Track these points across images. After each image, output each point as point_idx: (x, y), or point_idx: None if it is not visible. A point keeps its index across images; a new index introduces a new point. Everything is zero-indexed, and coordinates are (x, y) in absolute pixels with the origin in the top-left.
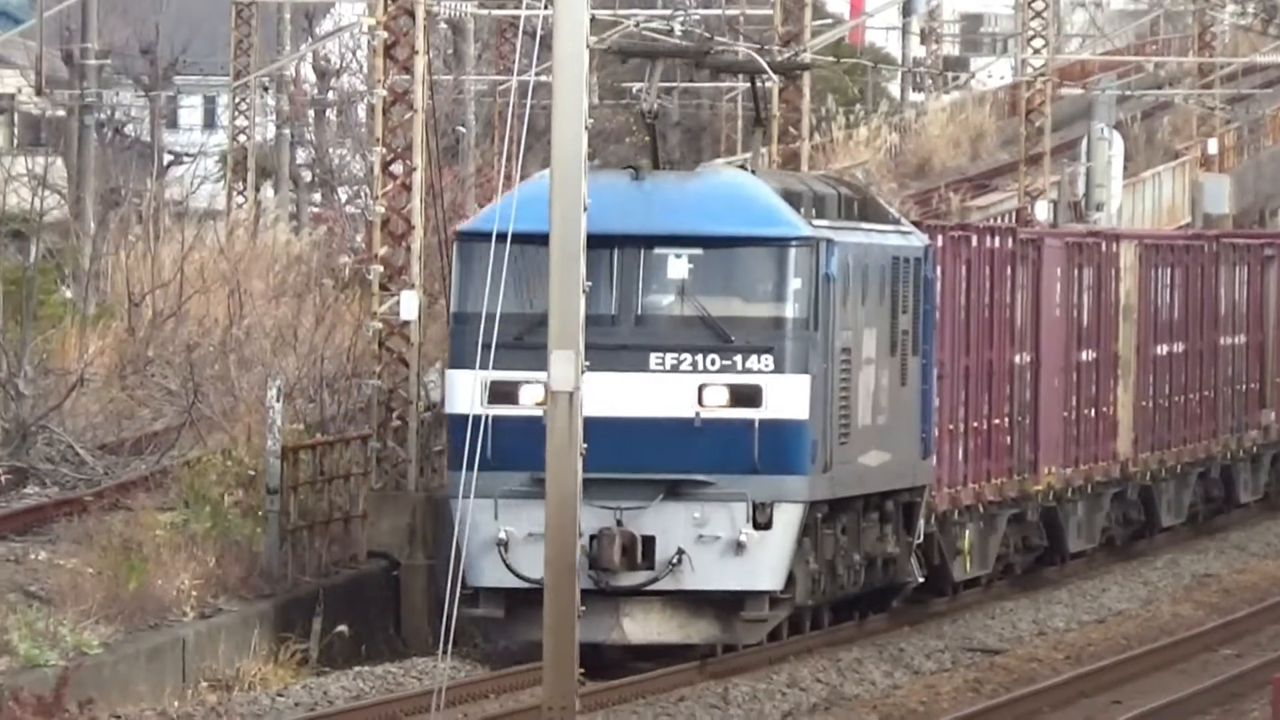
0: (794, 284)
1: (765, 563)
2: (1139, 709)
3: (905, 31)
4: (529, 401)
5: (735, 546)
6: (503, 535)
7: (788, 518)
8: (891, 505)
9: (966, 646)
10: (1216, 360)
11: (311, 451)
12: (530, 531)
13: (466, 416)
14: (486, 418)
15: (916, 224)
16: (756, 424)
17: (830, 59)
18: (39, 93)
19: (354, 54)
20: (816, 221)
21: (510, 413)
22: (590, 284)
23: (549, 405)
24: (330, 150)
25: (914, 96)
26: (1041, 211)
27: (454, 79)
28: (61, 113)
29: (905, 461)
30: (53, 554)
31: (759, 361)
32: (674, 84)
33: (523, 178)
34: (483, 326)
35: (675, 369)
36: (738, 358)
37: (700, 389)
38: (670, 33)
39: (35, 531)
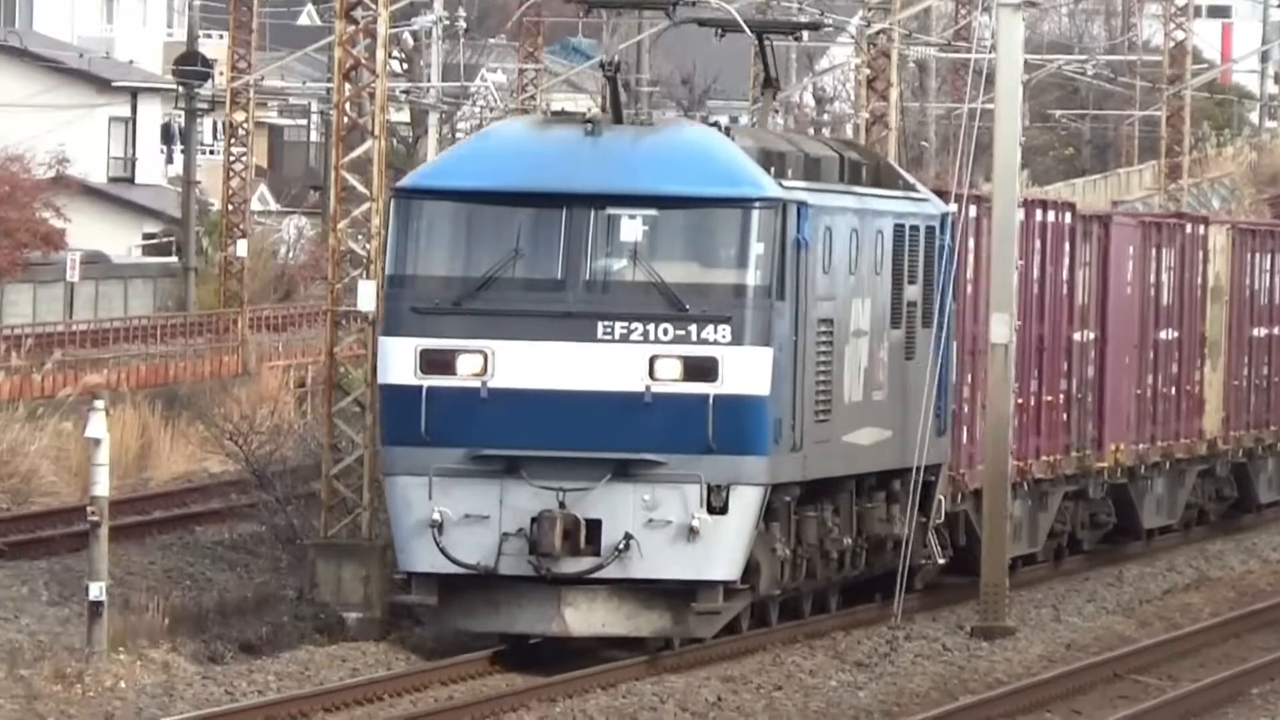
0: (756, 249)
1: (720, 550)
2: None
3: (1263, 75)
4: (466, 372)
5: (687, 532)
6: (436, 516)
7: (745, 502)
8: (899, 485)
9: None
10: None
11: None
12: (466, 513)
13: (400, 388)
14: (421, 389)
15: (940, 192)
16: (711, 399)
17: (1205, 94)
18: (603, 112)
19: (844, 85)
20: (794, 182)
21: (446, 384)
22: (533, 246)
23: (990, 354)
24: None
25: (1269, 123)
26: None
27: (919, 105)
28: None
29: (911, 439)
30: None
31: (716, 332)
32: (1086, 111)
33: (971, 185)
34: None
35: (625, 339)
36: (693, 328)
37: (651, 361)
38: (1084, 73)
39: None
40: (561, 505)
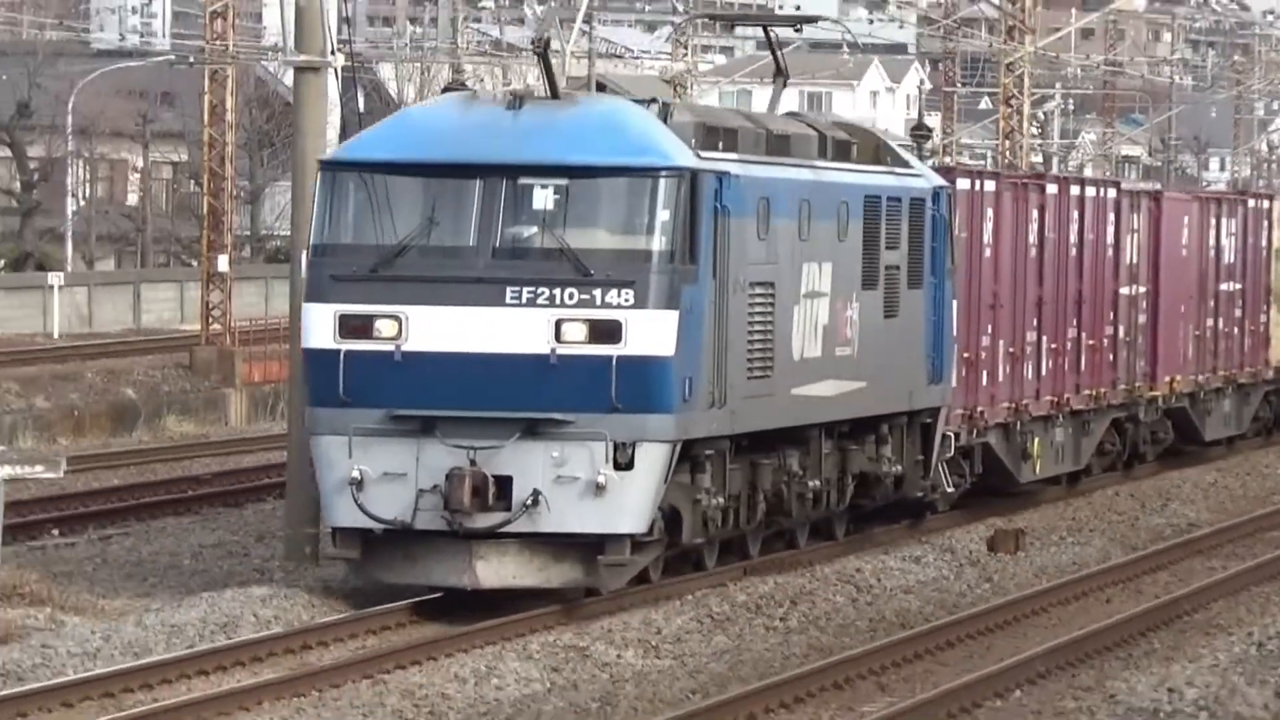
0: (661, 215)
1: (627, 505)
2: None
3: None
4: (381, 336)
5: (594, 488)
6: (356, 474)
7: (651, 458)
8: (887, 428)
9: None
10: None
11: None
12: (385, 470)
13: (320, 351)
14: (339, 353)
15: (947, 169)
16: (615, 361)
17: None
18: (1150, 154)
19: None
20: (721, 154)
21: (363, 347)
22: (448, 215)
23: None
24: None
25: None
26: None
27: None
28: (1157, 164)
29: (894, 388)
30: None
31: (619, 296)
32: None
33: None
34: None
35: (532, 303)
36: (597, 292)
37: (558, 324)
38: None
39: None
40: (473, 463)
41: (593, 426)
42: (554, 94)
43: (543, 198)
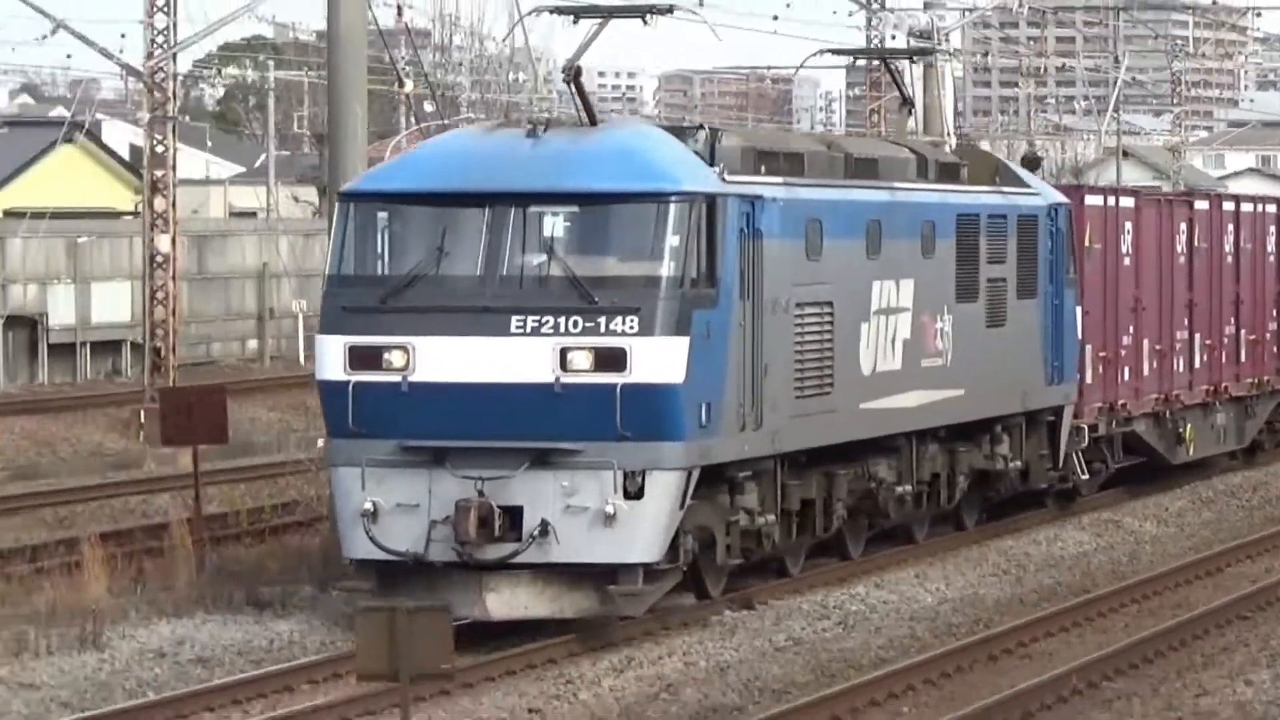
0: (671, 241)
1: (638, 534)
2: None
3: None
4: (389, 367)
5: (604, 517)
6: (369, 506)
7: (662, 486)
8: (1000, 428)
9: None
10: None
11: None
12: (398, 502)
13: (332, 383)
14: (348, 384)
15: (1076, 188)
16: (619, 389)
17: None
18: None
19: None
20: (752, 178)
21: (371, 378)
22: (457, 245)
23: None
24: None
25: None
26: None
27: None
28: None
29: (1001, 392)
30: None
31: (624, 323)
32: None
33: None
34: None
35: (536, 332)
36: (602, 319)
37: (563, 352)
38: None
39: None
40: (480, 494)
41: (601, 455)
42: (592, 120)
43: (550, 225)
